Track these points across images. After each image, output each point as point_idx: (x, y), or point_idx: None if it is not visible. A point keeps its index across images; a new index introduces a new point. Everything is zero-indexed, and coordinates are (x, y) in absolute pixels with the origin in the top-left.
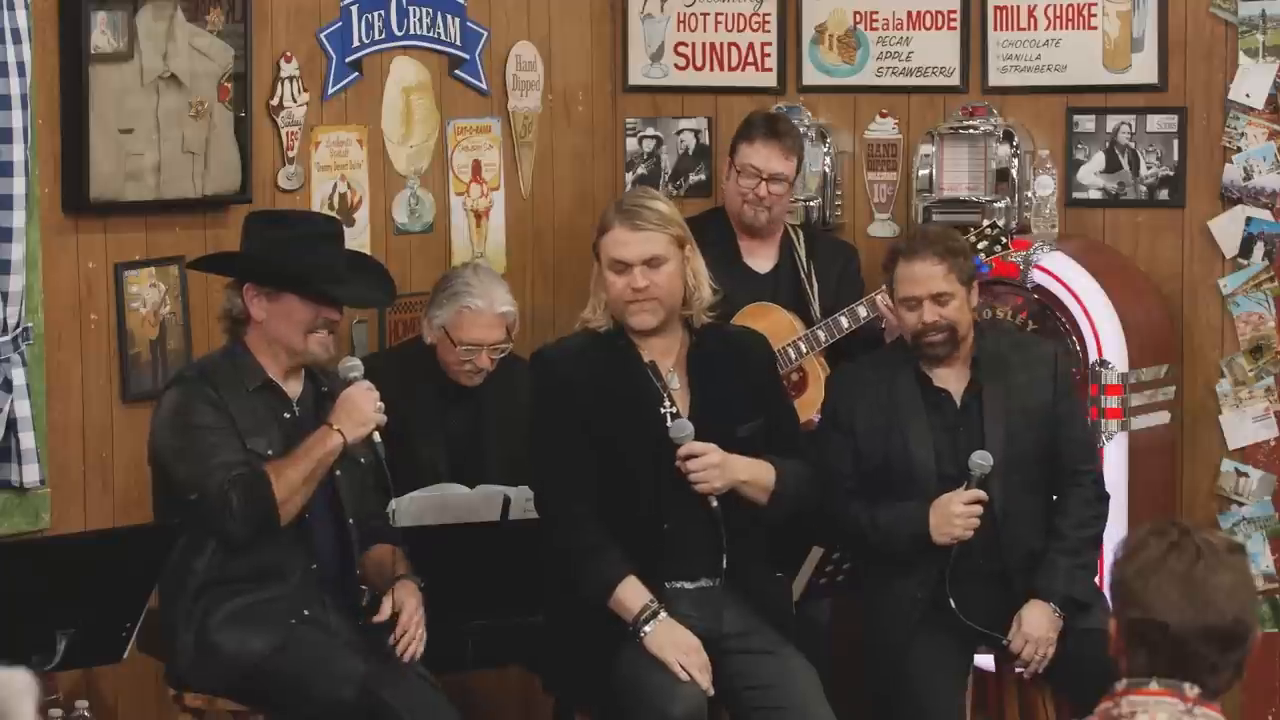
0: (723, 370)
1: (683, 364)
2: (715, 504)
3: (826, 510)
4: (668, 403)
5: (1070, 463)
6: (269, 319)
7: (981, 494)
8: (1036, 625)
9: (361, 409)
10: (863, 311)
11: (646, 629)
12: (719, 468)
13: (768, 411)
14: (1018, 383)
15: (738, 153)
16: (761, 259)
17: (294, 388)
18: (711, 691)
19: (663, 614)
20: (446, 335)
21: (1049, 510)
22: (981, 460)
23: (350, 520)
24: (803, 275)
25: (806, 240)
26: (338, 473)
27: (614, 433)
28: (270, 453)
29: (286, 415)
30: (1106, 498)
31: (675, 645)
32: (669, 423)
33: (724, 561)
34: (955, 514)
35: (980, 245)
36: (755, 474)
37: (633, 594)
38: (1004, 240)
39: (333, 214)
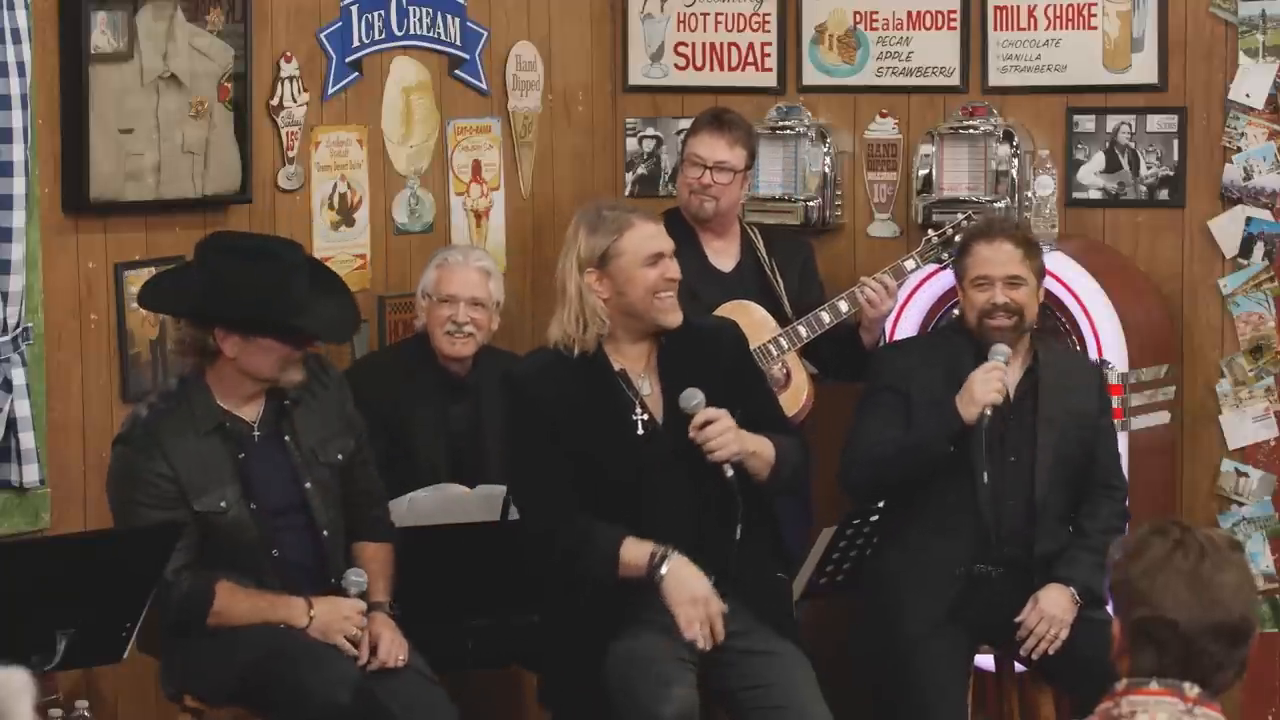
0: (693, 367)
1: (653, 368)
2: (731, 473)
3: (859, 467)
4: (639, 409)
5: (1105, 476)
6: (241, 356)
7: (999, 361)
8: (1054, 604)
9: (341, 622)
10: (844, 306)
11: (664, 570)
12: (734, 431)
13: (745, 399)
14: (1071, 385)
15: (686, 145)
16: (724, 257)
17: (252, 411)
18: (707, 646)
19: (674, 554)
20: (426, 298)
21: (1071, 515)
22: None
23: (325, 533)
24: (768, 272)
25: (764, 237)
26: (307, 485)
27: (588, 445)
28: (223, 505)
29: (242, 455)
30: (1129, 517)
31: (686, 589)
32: (638, 430)
33: (738, 532)
34: (976, 380)
35: (959, 239)
36: (760, 446)
37: (636, 550)
38: None
39: (291, 239)
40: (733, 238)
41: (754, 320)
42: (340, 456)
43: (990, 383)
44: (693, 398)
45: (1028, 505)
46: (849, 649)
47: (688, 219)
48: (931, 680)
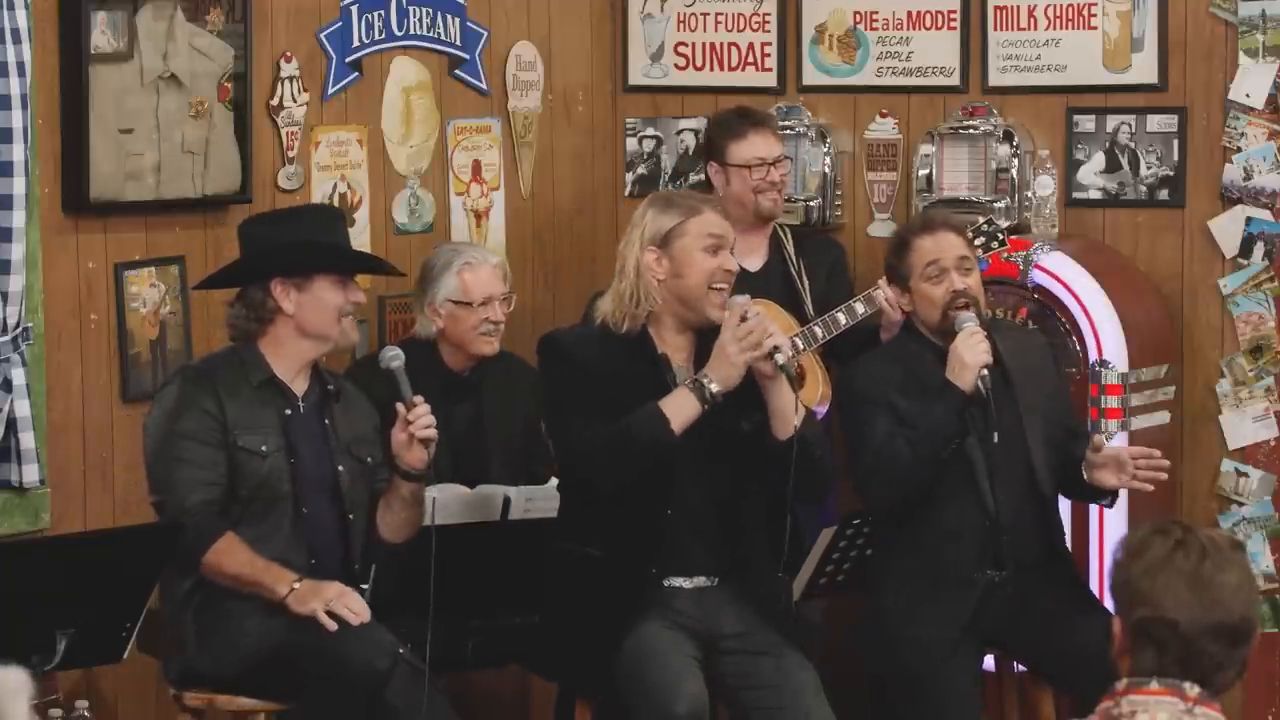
0: None
1: (691, 361)
2: (783, 361)
3: (880, 480)
4: None
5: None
6: (300, 310)
7: (970, 327)
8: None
9: (319, 599)
10: (860, 308)
11: (712, 385)
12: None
13: None
14: (1033, 365)
15: (729, 154)
16: (753, 256)
17: (299, 386)
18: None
19: (698, 377)
20: (456, 305)
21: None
22: None
23: (351, 516)
24: (793, 272)
25: (795, 238)
26: (340, 468)
27: (623, 415)
28: (264, 449)
29: (288, 412)
30: None
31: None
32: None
33: (796, 405)
34: (961, 347)
35: (978, 242)
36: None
37: (669, 400)
38: (1001, 237)
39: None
40: (763, 237)
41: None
42: (370, 460)
43: (974, 345)
44: (744, 304)
45: (1025, 500)
46: (850, 650)
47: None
48: (951, 692)
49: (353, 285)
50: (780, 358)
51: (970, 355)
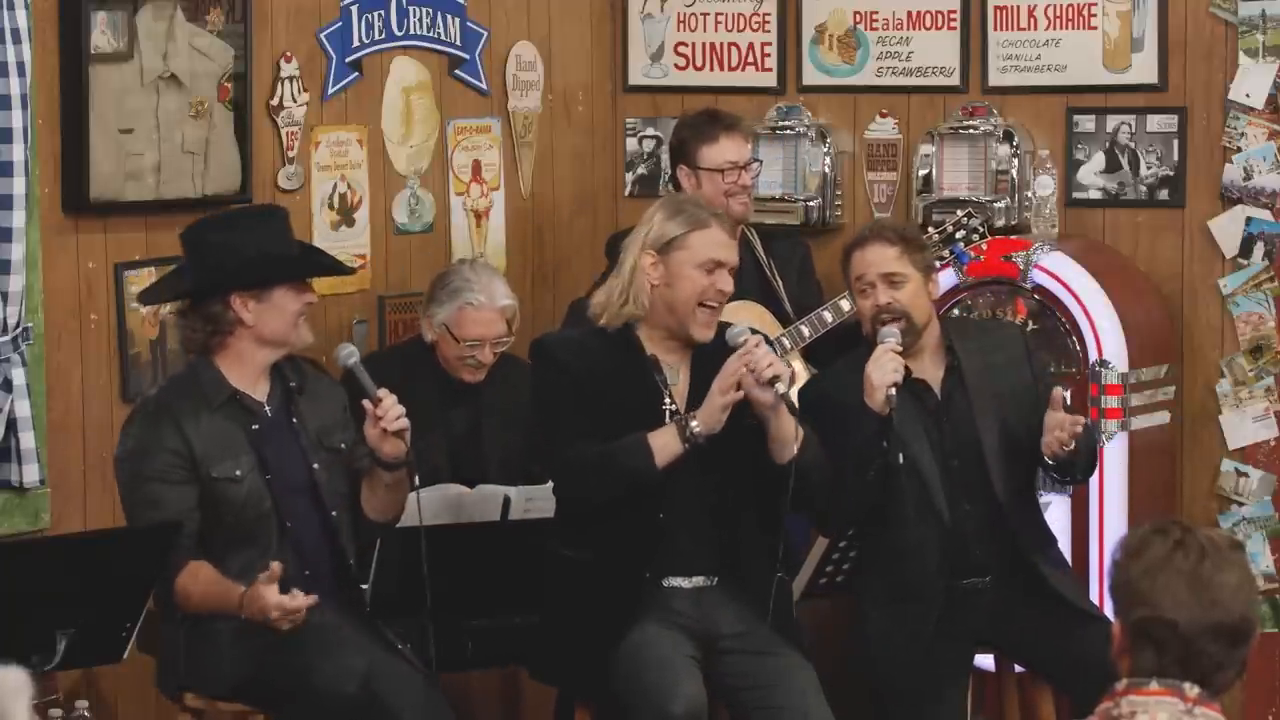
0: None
1: (686, 361)
2: (783, 390)
3: (835, 502)
4: (668, 399)
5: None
6: (259, 321)
7: (889, 344)
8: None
9: (258, 610)
10: (846, 305)
11: (695, 426)
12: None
13: None
14: (997, 364)
15: (700, 157)
16: None
17: (261, 390)
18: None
19: (687, 417)
20: (448, 332)
21: (1037, 506)
22: None
23: (334, 513)
24: (767, 272)
25: (761, 237)
26: (315, 466)
27: (614, 422)
28: (238, 473)
29: (255, 426)
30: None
31: (718, 385)
32: (667, 419)
33: (795, 450)
34: (871, 367)
35: (959, 235)
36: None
37: (658, 433)
38: (981, 230)
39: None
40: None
41: (755, 320)
42: (343, 445)
43: (884, 364)
44: (740, 334)
45: (984, 509)
46: (850, 650)
47: None
48: (930, 703)
49: (307, 288)
50: (781, 387)
51: (878, 375)
